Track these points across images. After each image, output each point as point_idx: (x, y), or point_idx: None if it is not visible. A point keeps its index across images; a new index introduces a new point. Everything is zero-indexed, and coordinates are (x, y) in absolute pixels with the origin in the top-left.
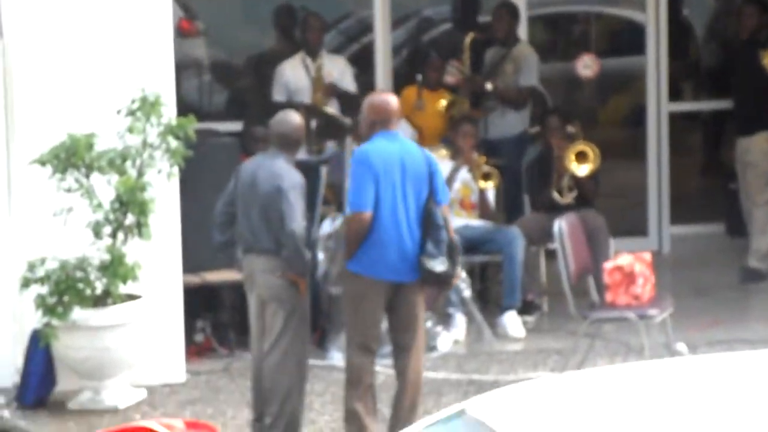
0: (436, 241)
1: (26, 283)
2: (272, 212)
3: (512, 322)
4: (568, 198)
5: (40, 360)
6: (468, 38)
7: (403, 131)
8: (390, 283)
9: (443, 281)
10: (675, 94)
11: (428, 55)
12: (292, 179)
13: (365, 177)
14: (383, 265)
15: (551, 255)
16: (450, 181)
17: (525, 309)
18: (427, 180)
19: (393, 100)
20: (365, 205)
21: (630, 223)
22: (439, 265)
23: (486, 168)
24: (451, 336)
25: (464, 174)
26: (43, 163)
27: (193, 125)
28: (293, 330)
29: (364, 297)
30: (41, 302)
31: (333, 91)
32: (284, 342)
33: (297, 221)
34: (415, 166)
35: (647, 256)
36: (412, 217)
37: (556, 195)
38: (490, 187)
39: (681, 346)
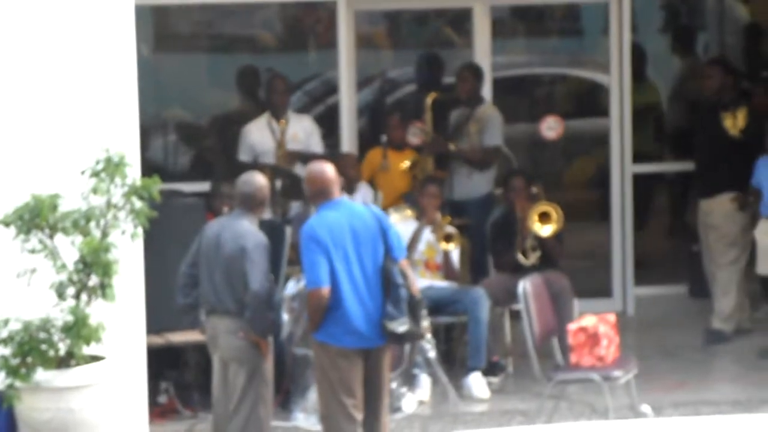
0: (396, 301)
1: None
2: (235, 273)
3: (477, 383)
4: (532, 259)
5: (2, 422)
6: (429, 98)
7: (364, 193)
8: (359, 350)
9: (408, 340)
10: (638, 156)
11: (390, 116)
12: (255, 239)
13: (315, 252)
14: (350, 334)
15: (516, 316)
16: (414, 241)
17: (490, 370)
18: (381, 238)
19: (328, 169)
20: (321, 281)
21: (594, 285)
22: (400, 327)
23: (448, 229)
24: (416, 397)
25: (428, 235)
26: (6, 224)
27: (157, 186)
28: (255, 391)
29: (337, 367)
30: (4, 363)
31: (295, 157)
32: (247, 403)
33: (260, 282)
34: (366, 228)
35: (611, 317)
36: (372, 281)
37: (520, 256)
38: (452, 249)
39: (645, 408)
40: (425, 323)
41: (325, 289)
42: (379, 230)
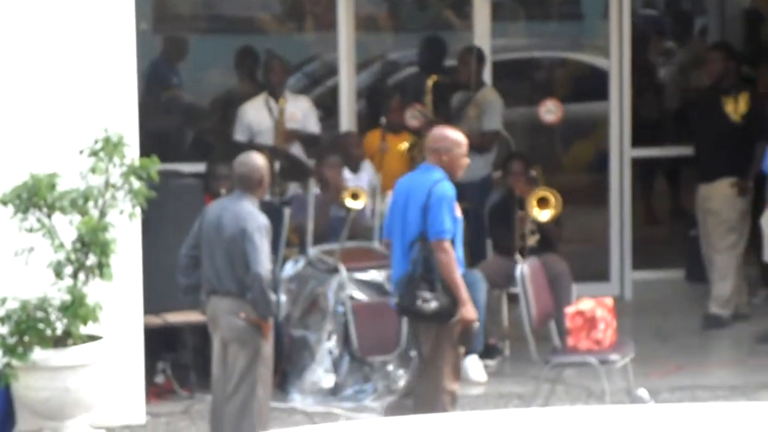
0: None
1: None
2: (237, 254)
3: (474, 366)
4: (531, 242)
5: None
6: (430, 81)
7: (368, 171)
8: None
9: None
10: (638, 140)
11: (390, 99)
12: (256, 221)
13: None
14: None
15: (513, 299)
16: None
17: (487, 353)
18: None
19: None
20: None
21: (592, 268)
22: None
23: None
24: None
25: None
26: (4, 202)
27: (156, 166)
28: (255, 372)
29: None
30: (1, 342)
31: (295, 136)
32: (246, 384)
33: (262, 263)
34: None
35: (609, 301)
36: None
37: (518, 239)
38: None
39: (642, 392)
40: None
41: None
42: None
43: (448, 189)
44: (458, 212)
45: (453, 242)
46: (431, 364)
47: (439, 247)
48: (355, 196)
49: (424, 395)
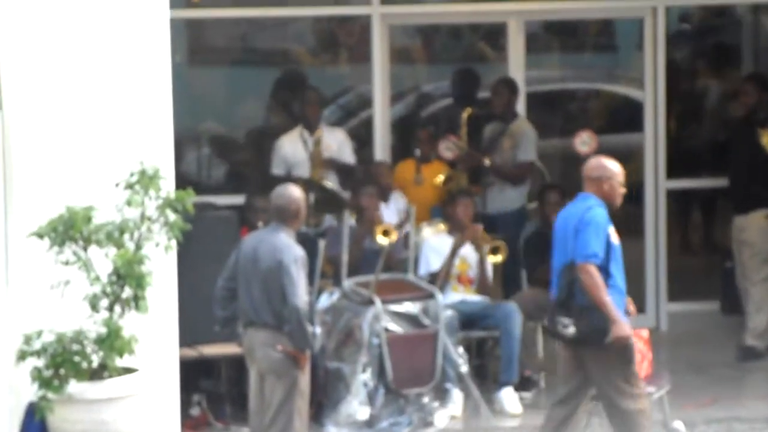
0: None
1: (22, 356)
2: (273, 286)
3: (509, 398)
4: None
5: None
6: (465, 113)
7: (398, 201)
8: None
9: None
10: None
11: (420, 130)
12: (293, 253)
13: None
14: None
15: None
16: (453, 256)
17: (522, 385)
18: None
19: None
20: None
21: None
22: None
23: (496, 242)
24: (448, 411)
25: (463, 248)
26: (41, 235)
27: (191, 198)
28: (291, 404)
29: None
30: (37, 375)
31: (331, 165)
32: (283, 416)
33: (299, 296)
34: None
35: (645, 333)
36: None
37: None
38: (498, 261)
39: (678, 424)
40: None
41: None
42: None
43: (599, 215)
44: (615, 238)
45: (606, 269)
46: (601, 391)
47: (583, 270)
48: (386, 233)
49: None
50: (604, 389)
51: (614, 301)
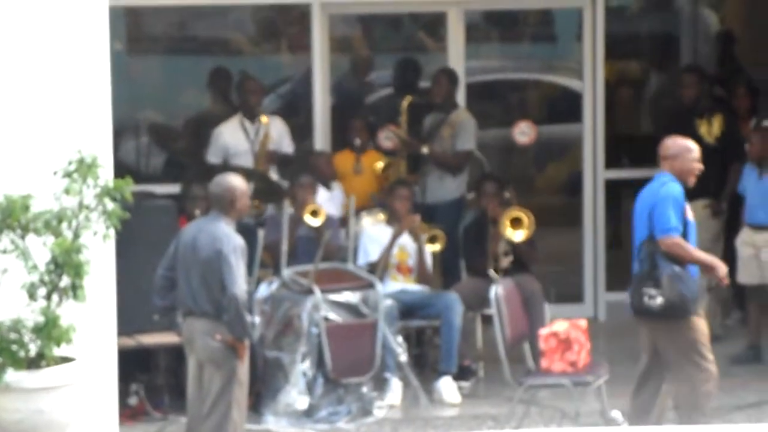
0: None
1: None
2: (212, 276)
3: (448, 387)
4: (504, 263)
5: None
6: (405, 102)
7: (338, 193)
8: None
9: None
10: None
11: (354, 120)
12: (232, 242)
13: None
14: None
15: (488, 320)
16: (390, 246)
17: (461, 374)
18: None
19: None
20: None
21: (566, 290)
22: None
23: (434, 231)
24: (387, 401)
25: (402, 238)
26: None
27: (130, 187)
28: (230, 394)
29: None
30: None
31: (274, 158)
32: (221, 406)
33: (238, 285)
34: None
35: (583, 322)
36: None
37: (491, 261)
38: (436, 249)
39: (616, 413)
40: None
41: None
42: None
43: (674, 189)
44: (690, 215)
45: None
46: (678, 367)
47: (667, 242)
48: (314, 213)
49: (686, 400)
50: (680, 363)
51: (691, 275)
